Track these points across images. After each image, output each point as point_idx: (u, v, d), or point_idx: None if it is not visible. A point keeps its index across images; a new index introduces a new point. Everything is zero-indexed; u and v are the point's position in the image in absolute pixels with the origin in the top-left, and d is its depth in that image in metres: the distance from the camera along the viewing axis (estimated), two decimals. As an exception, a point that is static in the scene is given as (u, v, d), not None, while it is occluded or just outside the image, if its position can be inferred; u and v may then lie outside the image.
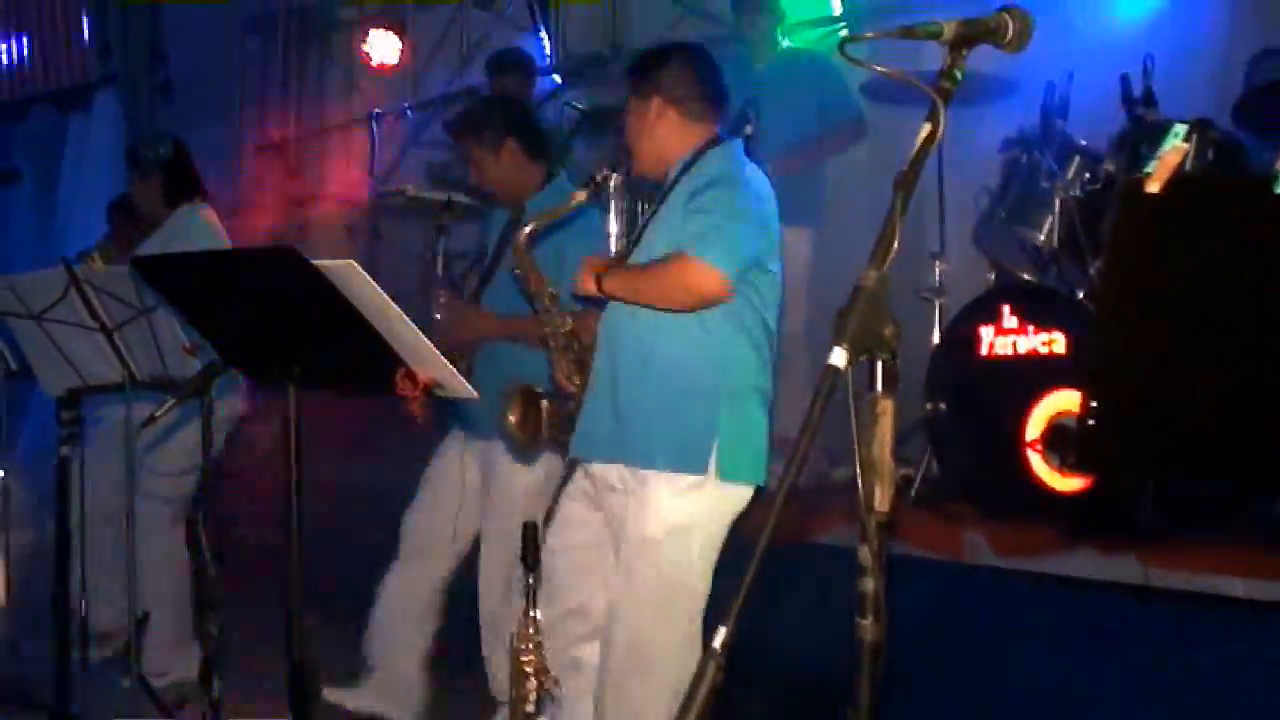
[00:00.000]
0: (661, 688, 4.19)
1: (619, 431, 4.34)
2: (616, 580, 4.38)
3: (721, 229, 4.15)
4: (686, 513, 4.26)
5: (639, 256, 4.41)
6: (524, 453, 5.17)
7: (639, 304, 4.28)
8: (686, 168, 4.44)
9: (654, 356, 4.29)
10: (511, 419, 4.54)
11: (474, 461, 5.51)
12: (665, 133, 4.48)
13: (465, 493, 5.52)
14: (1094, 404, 2.34)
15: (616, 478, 4.39)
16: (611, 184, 7.06)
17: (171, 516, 6.12)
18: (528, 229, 4.56)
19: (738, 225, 4.19)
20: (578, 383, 4.56)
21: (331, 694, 5.66)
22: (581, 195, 4.57)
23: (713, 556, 4.31)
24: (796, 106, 6.69)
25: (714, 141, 4.50)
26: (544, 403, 4.57)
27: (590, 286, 4.31)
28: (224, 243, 6.29)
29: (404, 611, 5.65)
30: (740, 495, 4.31)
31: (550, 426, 4.56)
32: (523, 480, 5.34)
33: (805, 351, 6.46)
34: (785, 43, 7.39)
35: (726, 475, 4.25)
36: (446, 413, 5.47)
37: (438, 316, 5.33)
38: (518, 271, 4.69)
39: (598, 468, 4.45)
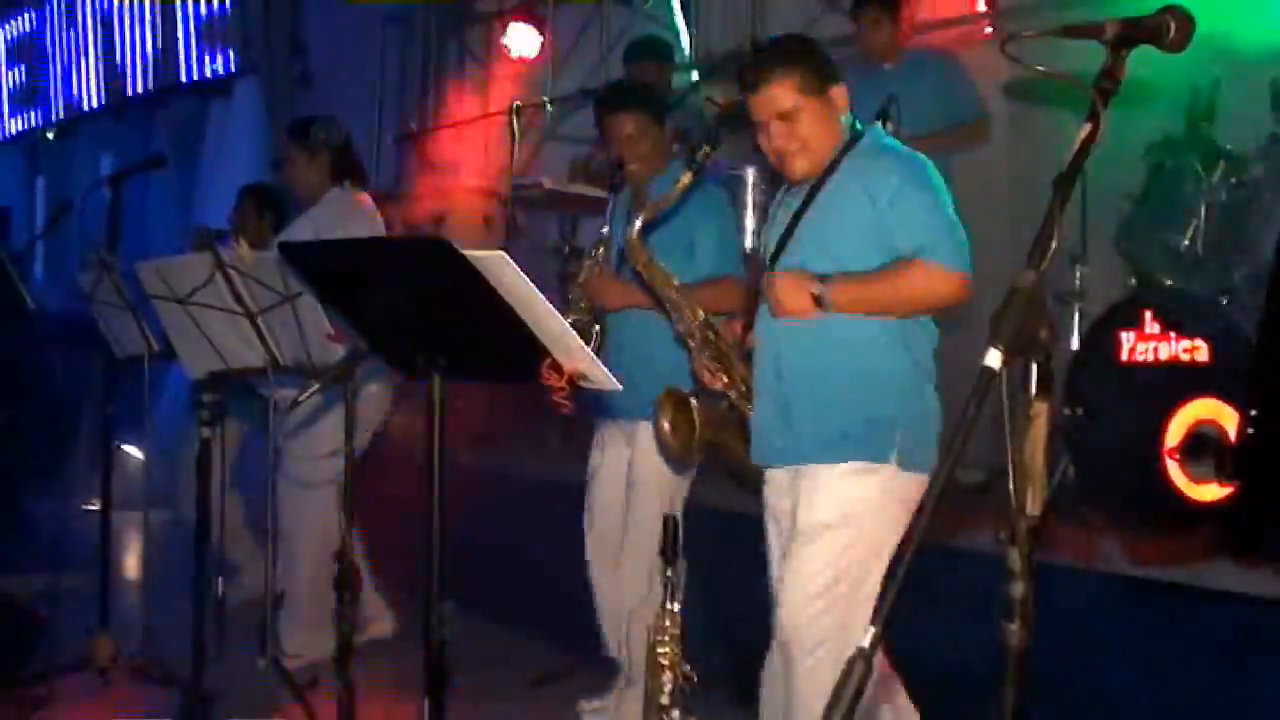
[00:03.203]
0: (824, 674, 3.95)
1: (794, 430, 4.17)
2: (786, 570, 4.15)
3: (946, 229, 4.00)
4: (860, 498, 4.05)
5: (796, 257, 4.19)
6: (681, 462, 5.11)
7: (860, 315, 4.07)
8: (838, 159, 4.16)
9: (829, 345, 4.10)
10: (665, 425, 4.38)
11: (624, 447, 5.48)
12: (836, 125, 4.17)
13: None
14: (1255, 413, 2.31)
15: (792, 478, 4.22)
16: (749, 180, 7.00)
17: (312, 500, 6.22)
18: (638, 223, 4.47)
19: (955, 221, 4.04)
20: (725, 380, 4.38)
21: (588, 706, 5.74)
22: (688, 178, 4.37)
23: (885, 552, 3.91)
24: (922, 105, 6.61)
25: (853, 128, 4.22)
26: (693, 402, 4.34)
27: (805, 305, 4.06)
28: (379, 226, 6.40)
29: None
30: (919, 484, 4.01)
31: (704, 426, 4.32)
32: (666, 468, 5.28)
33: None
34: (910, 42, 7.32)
35: (906, 464, 4.07)
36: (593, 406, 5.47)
37: (585, 279, 5.29)
38: (637, 268, 4.59)
39: (774, 473, 4.31)
